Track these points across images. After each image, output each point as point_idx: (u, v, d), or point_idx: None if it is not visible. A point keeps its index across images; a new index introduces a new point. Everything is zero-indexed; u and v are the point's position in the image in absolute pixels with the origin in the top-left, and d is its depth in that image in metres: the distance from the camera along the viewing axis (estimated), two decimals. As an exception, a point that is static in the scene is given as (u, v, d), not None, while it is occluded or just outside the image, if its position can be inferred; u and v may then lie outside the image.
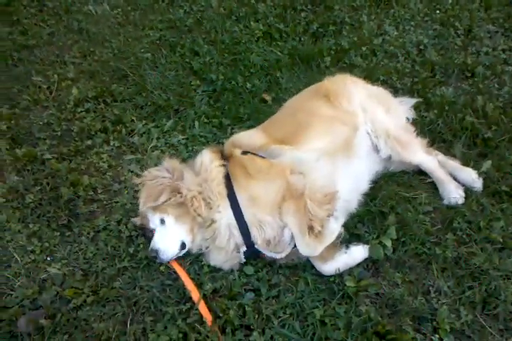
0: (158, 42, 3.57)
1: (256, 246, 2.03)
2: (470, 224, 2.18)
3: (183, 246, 2.07)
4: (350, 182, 2.21)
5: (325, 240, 1.98)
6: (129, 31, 3.67)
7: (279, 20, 3.73)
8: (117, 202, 2.46)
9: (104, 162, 2.67)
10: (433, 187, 2.41)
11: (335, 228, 2.04)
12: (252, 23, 3.71)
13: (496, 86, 2.93)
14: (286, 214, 1.98)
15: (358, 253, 2.09)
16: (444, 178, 2.39)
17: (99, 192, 2.51)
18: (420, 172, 2.47)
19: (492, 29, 3.44)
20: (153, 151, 2.73)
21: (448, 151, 2.58)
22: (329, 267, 2.04)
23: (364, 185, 2.33)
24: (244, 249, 2.04)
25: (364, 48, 3.34)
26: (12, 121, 2.88)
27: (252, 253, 2.07)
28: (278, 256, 2.04)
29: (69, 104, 2.98)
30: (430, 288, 1.98)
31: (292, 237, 2.01)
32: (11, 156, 2.64)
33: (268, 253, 2.04)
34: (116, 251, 2.22)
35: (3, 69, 3.31)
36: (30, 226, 2.32)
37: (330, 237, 2.00)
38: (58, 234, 2.29)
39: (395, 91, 2.98)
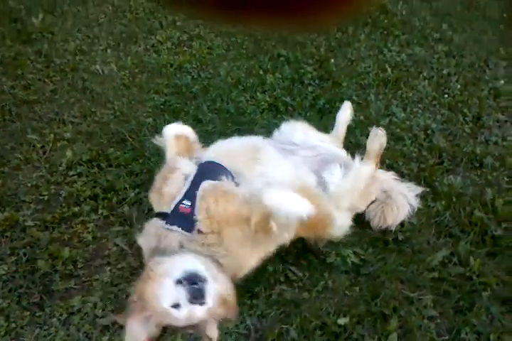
0: (162, 106, 3.51)
1: None
2: (479, 336, 2.00)
3: None
4: None
5: None
6: (134, 94, 3.63)
7: (286, 92, 3.71)
8: (97, 280, 2.26)
9: (89, 232, 2.49)
10: (441, 287, 2.25)
11: None
12: (258, 94, 3.69)
13: (506, 179, 2.84)
14: None
15: None
16: None
17: (78, 266, 2.33)
18: (428, 269, 2.33)
19: (501, 118, 3.41)
20: (141, 225, 2.56)
21: (454, 247, 2.45)
22: None
23: None
24: None
25: (370, 128, 3.27)
26: (-1, 181, 2.75)
27: None
28: None
29: (61, 166, 2.85)
30: None
31: None
32: (-10, 220, 2.48)
33: None
34: (89, 339, 2.00)
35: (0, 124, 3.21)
36: (-1, 301, 2.11)
37: None
38: (28, 313, 2.07)
39: (401, 177, 2.88)
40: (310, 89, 3.77)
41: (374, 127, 2.56)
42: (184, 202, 1.93)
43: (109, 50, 4.19)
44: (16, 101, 3.44)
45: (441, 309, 2.15)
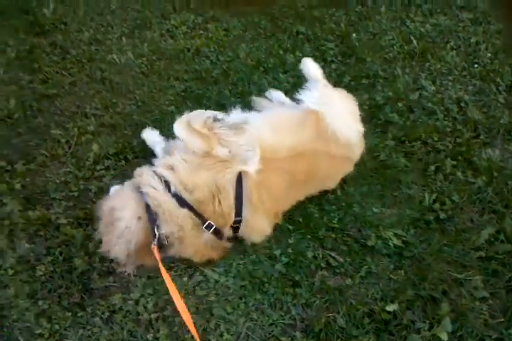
0: (183, 93, 3.42)
1: None
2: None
3: None
4: None
5: None
6: (154, 82, 3.54)
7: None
8: (135, 276, 2.23)
9: (122, 227, 2.46)
10: (489, 266, 2.17)
11: None
12: (280, 74, 3.57)
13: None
14: None
15: None
16: None
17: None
18: (474, 248, 2.25)
19: (537, 84, 3.25)
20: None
21: (499, 224, 2.35)
22: None
23: None
24: None
25: (400, 104, 3.15)
26: (27, 179, 2.71)
27: None
28: None
29: (88, 160, 2.80)
30: None
31: None
32: (23, 219, 2.44)
33: None
34: (134, 337, 1.97)
35: (21, 120, 3.16)
36: (40, 303, 2.08)
37: None
38: (70, 314, 2.05)
39: (437, 153, 2.78)
40: (333, 66, 3.65)
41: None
42: None
43: (124, 38, 4.09)
44: (36, 95, 3.38)
45: (493, 289, 2.08)
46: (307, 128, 2.32)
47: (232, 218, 2.15)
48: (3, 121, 3.13)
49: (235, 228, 2.22)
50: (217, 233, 2.14)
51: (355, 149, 2.51)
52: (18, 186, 2.64)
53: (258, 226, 2.26)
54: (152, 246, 2.01)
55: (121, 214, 2.07)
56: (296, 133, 2.28)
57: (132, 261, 2.12)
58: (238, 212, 2.14)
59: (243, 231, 2.25)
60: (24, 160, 2.83)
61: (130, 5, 4.62)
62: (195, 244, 2.13)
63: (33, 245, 2.33)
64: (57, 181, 2.71)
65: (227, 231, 2.20)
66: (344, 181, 2.64)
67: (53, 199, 2.60)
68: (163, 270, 1.93)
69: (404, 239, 2.34)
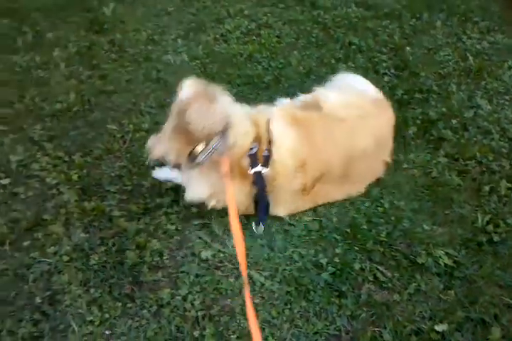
0: (235, 97, 3.45)
1: None
2: None
3: None
4: None
5: None
6: (206, 84, 3.59)
7: (360, 82, 3.57)
8: (183, 272, 2.27)
9: (172, 224, 2.49)
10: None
11: None
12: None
13: None
14: None
15: None
16: None
17: (165, 258, 2.34)
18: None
19: None
20: (222, 217, 2.55)
21: None
22: None
23: None
24: None
25: (454, 121, 3.12)
26: (84, 171, 2.79)
27: None
28: None
29: (142, 157, 2.87)
30: None
31: None
32: (79, 209, 2.52)
33: None
34: (180, 333, 2.00)
35: (79, 113, 3.26)
36: (92, 291, 2.13)
37: None
38: (120, 304, 2.09)
39: (492, 173, 2.74)
40: (386, 78, 3.63)
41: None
42: None
43: (179, 40, 4.17)
44: (94, 91, 3.49)
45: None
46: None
47: None
48: (63, 113, 3.23)
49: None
50: None
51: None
52: (75, 177, 2.72)
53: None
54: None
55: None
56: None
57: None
58: None
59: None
60: (81, 152, 2.92)
61: (186, 8, 4.72)
62: None
63: (87, 234, 2.40)
64: (112, 174, 2.78)
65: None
66: (392, 193, 2.64)
67: (108, 191, 2.67)
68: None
69: (455, 258, 2.30)
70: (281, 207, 2.46)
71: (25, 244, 2.38)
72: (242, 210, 2.33)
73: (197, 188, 2.34)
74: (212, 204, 2.37)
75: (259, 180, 2.25)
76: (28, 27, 4.27)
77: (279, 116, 2.42)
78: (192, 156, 2.16)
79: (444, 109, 3.24)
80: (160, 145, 2.23)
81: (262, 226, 2.38)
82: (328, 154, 2.39)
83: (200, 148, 2.14)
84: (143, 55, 3.94)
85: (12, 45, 4.04)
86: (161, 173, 2.70)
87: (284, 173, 2.31)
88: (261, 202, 2.33)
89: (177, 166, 2.28)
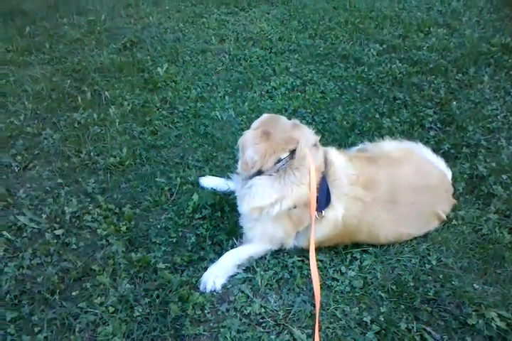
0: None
1: None
2: None
3: None
4: None
5: None
6: (252, 139, 3.70)
7: (405, 136, 3.57)
8: (224, 327, 2.25)
9: (215, 277, 2.52)
10: None
11: None
12: (376, 138, 3.60)
13: None
14: None
15: None
16: None
17: (206, 311, 2.34)
18: None
19: None
20: (266, 271, 2.55)
21: None
22: None
23: None
24: None
25: (504, 176, 3.04)
26: (132, 222, 2.89)
27: None
28: None
29: (188, 209, 2.95)
30: None
31: None
32: (126, 260, 2.59)
33: None
34: (219, 391, 1.96)
35: (131, 167, 3.42)
36: (134, 343, 2.17)
37: None
38: (162, 357, 2.11)
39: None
40: (432, 133, 3.62)
41: None
42: None
43: (226, 97, 4.37)
44: (145, 145, 3.68)
45: None
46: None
47: None
48: (115, 167, 3.41)
49: None
50: None
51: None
52: (123, 228, 2.82)
53: None
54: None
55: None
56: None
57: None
58: None
59: None
60: (131, 204, 3.05)
61: (234, 67, 4.97)
62: None
63: (132, 286, 2.45)
64: (159, 226, 2.87)
65: None
66: (440, 249, 2.57)
67: (154, 243, 2.75)
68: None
69: (508, 321, 2.17)
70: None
71: (74, 293, 2.45)
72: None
73: (263, 193, 2.41)
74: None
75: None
76: (87, 86, 4.63)
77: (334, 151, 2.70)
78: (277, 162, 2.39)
79: (493, 164, 3.17)
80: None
81: None
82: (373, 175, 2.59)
83: (283, 155, 2.38)
84: (192, 111, 4.14)
85: (72, 103, 4.38)
86: (207, 181, 3.16)
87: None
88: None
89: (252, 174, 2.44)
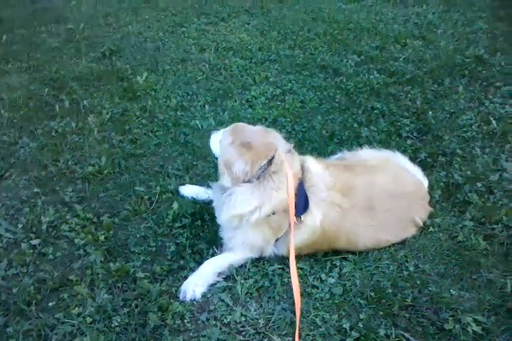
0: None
1: None
2: None
3: None
4: None
5: None
6: (232, 147, 3.71)
7: (382, 145, 3.62)
8: (204, 336, 2.23)
9: (194, 286, 2.50)
10: None
11: None
12: (354, 147, 3.64)
13: None
14: None
15: None
16: None
17: (186, 321, 2.32)
18: None
19: None
20: (246, 279, 2.55)
21: None
22: None
23: None
24: None
25: (479, 184, 3.10)
26: (110, 231, 2.86)
27: None
28: None
29: (167, 218, 2.93)
30: None
31: None
32: (104, 270, 2.56)
33: None
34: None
35: (110, 176, 3.40)
36: (112, 355, 2.13)
37: None
38: (139, 370, 2.08)
39: (521, 237, 2.68)
40: (409, 142, 3.69)
41: None
42: None
43: (207, 106, 4.38)
44: (124, 154, 3.66)
45: None
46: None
47: None
48: (94, 176, 3.38)
49: None
50: None
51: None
52: (102, 238, 2.80)
53: None
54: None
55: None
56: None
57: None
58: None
59: None
60: (109, 213, 3.02)
61: (214, 77, 5.00)
62: None
63: (111, 296, 2.42)
64: (138, 235, 2.85)
65: None
66: (417, 256, 2.61)
67: (133, 252, 2.72)
68: None
69: (484, 325, 2.21)
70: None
71: (51, 304, 2.41)
72: None
73: (242, 200, 2.42)
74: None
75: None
76: (65, 95, 4.60)
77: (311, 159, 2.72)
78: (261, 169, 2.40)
79: (468, 172, 3.23)
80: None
81: None
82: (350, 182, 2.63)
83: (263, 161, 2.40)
84: (172, 120, 4.14)
85: (50, 111, 4.34)
86: (187, 190, 3.16)
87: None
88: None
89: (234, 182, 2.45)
